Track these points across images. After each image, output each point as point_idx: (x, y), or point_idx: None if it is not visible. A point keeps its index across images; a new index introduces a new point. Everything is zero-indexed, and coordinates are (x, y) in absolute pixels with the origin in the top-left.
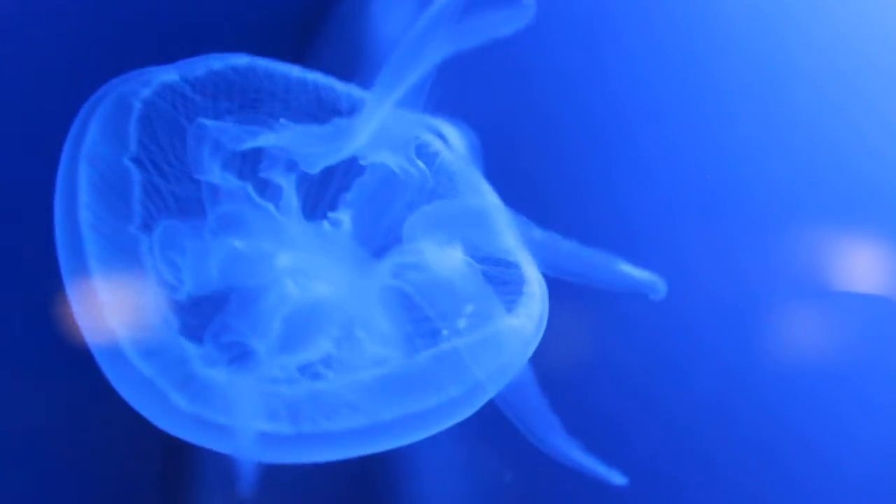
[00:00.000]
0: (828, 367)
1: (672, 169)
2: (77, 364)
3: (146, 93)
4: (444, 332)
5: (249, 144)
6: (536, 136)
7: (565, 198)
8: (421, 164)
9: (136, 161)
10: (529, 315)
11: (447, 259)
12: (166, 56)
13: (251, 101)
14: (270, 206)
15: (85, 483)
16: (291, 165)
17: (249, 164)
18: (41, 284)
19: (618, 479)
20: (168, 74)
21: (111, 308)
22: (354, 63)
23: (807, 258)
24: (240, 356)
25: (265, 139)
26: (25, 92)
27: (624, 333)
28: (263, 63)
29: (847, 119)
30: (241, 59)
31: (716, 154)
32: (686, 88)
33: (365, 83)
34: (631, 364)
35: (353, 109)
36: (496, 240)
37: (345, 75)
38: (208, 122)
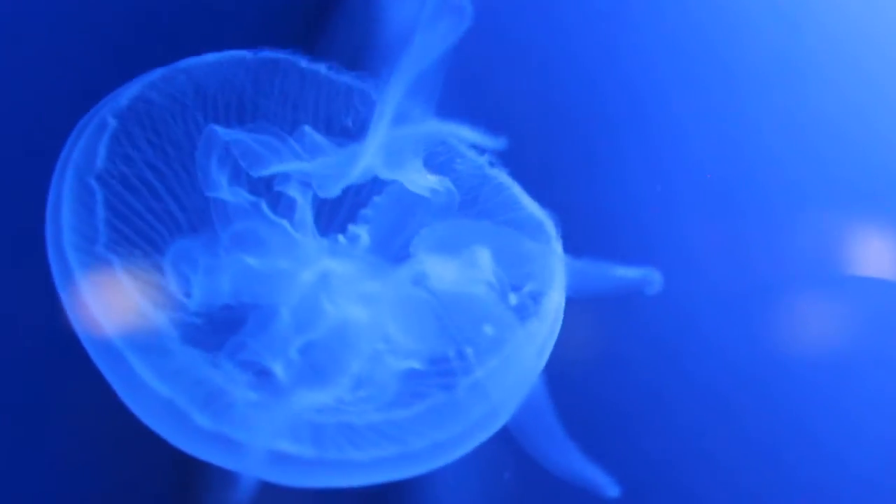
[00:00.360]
0: (836, 361)
1: (684, 161)
2: (88, 369)
3: (124, 105)
4: (469, 350)
5: (263, 172)
6: (549, 127)
7: (577, 191)
8: (438, 178)
9: (106, 179)
10: (544, 323)
11: (463, 272)
12: (172, 49)
13: (262, 106)
14: (285, 223)
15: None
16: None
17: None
18: (51, 293)
19: (613, 490)
20: (160, 77)
21: (109, 324)
22: (364, 52)
23: (817, 252)
24: (260, 376)
25: (278, 167)
26: (31, 92)
27: (630, 329)
28: (273, 57)
29: (860, 110)
30: (246, 55)
31: (728, 147)
32: (701, 80)
33: (375, 75)
34: (637, 360)
35: (363, 116)
36: (514, 249)
37: (355, 66)
38: (219, 130)
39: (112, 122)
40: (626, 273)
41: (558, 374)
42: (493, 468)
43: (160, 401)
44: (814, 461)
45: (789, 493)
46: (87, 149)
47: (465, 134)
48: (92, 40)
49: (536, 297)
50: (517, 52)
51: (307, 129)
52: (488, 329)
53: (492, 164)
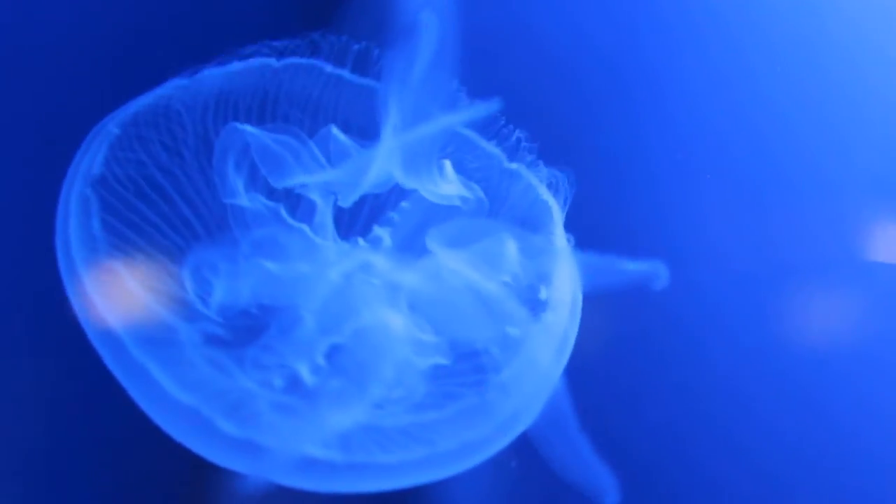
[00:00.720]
0: (860, 350)
1: (705, 148)
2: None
3: (138, 113)
4: (494, 349)
5: (284, 183)
6: (564, 120)
7: (594, 182)
8: (466, 185)
9: (114, 188)
10: (563, 319)
11: (482, 270)
12: (182, 40)
13: (283, 111)
14: (305, 228)
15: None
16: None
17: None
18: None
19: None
20: (181, 85)
21: (127, 335)
22: (378, 37)
23: (840, 239)
24: (288, 381)
25: (300, 178)
26: (45, 95)
27: (650, 319)
28: (298, 63)
29: (881, 95)
30: (272, 62)
31: (750, 133)
32: (722, 67)
33: (385, 75)
34: (657, 350)
35: (379, 119)
36: (528, 246)
37: (365, 64)
38: (238, 129)
39: (115, 131)
40: (635, 267)
41: (577, 368)
42: (499, 456)
43: (184, 410)
44: (837, 450)
45: (813, 482)
46: (93, 158)
47: (474, 113)
48: (112, 45)
49: (554, 294)
50: (532, 40)
51: (334, 130)
52: (510, 327)
53: (509, 158)
